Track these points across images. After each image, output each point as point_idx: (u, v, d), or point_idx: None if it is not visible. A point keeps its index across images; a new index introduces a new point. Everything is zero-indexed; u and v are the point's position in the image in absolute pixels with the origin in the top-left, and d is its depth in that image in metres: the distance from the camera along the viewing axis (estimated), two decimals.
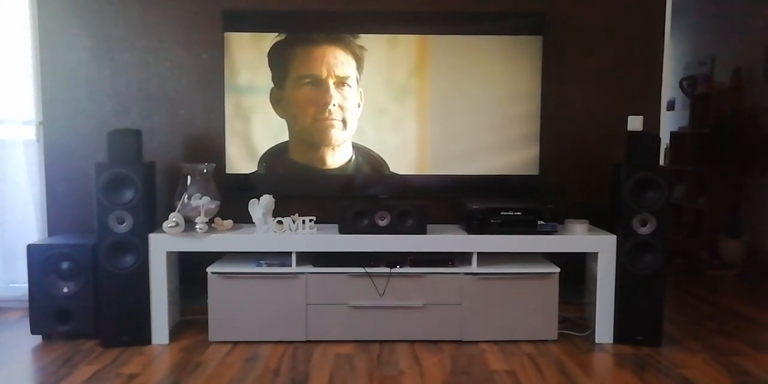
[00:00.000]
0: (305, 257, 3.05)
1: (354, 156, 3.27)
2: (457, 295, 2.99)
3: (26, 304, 3.02)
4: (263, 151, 3.26)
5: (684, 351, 2.90)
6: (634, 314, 2.95)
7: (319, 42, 3.21)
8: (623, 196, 2.91)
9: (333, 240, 2.98)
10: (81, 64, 3.34)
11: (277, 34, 3.21)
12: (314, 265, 3.00)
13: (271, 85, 3.22)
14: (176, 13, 3.33)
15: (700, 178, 5.22)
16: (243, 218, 3.16)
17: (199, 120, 3.37)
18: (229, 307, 2.97)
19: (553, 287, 3.00)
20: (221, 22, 3.22)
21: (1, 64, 3.41)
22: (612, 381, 2.57)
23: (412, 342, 3.00)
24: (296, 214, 3.04)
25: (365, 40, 3.21)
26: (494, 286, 2.99)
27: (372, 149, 3.27)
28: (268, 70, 3.21)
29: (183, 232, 2.95)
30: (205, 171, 3.14)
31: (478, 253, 3.00)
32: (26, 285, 2.98)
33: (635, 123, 3.40)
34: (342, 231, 3.00)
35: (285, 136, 3.25)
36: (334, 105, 3.22)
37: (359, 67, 3.22)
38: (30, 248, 2.97)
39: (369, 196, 3.26)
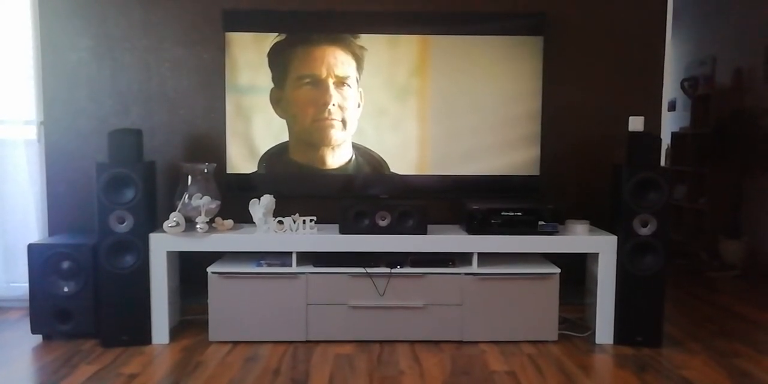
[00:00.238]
0: (306, 257, 3.05)
1: (354, 156, 3.27)
2: (457, 296, 2.99)
3: (27, 304, 3.02)
4: (264, 151, 3.26)
5: (684, 352, 2.90)
6: (634, 315, 2.95)
7: (319, 42, 3.21)
8: (624, 196, 2.90)
9: (333, 240, 2.98)
10: (82, 64, 3.35)
11: (277, 34, 3.21)
12: (315, 265, 3.00)
13: (272, 85, 3.22)
14: (177, 13, 3.33)
15: (701, 179, 5.22)
16: (243, 218, 3.16)
17: (199, 120, 3.37)
18: (230, 307, 2.97)
19: (553, 288, 3.00)
20: (222, 22, 3.22)
21: (2, 64, 3.41)
22: (612, 382, 2.57)
23: (412, 342, 3.00)
24: (297, 214, 3.05)
25: (365, 40, 3.21)
26: (495, 287, 2.99)
27: (372, 149, 3.27)
28: (269, 70, 3.22)
29: (183, 231, 2.95)
30: (205, 171, 3.14)
31: (479, 254, 3.00)
32: (27, 284, 2.98)
33: (636, 123, 3.40)
34: (342, 231, 3.00)
35: (285, 136, 3.25)
36: (333, 105, 3.22)
37: (359, 67, 3.22)
38: (30, 248, 2.97)
39: (369, 196, 3.26)
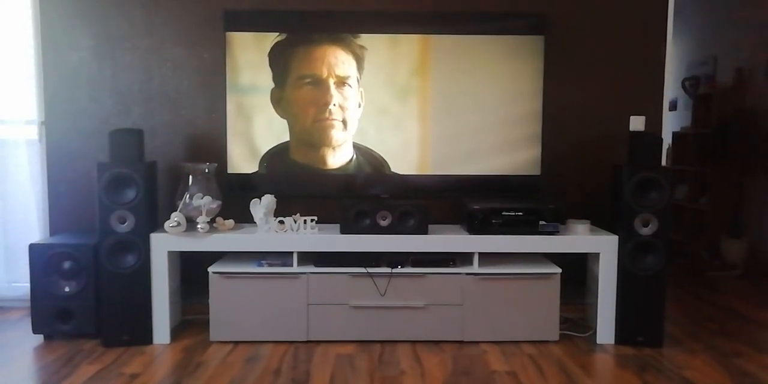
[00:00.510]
0: (306, 257, 3.05)
1: (355, 156, 3.27)
2: (458, 296, 2.99)
3: (28, 304, 3.02)
4: (264, 151, 3.26)
5: (685, 352, 2.90)
6: (635, 315, 2.94)
7: (320, 42, 3.21)
8: (625, 196, 2.90)
9: (334, 240, 2.98)
10: (83, 64, 3.35)
11: (278, 33, 3.21)
12: (315, 265, 3.00)
13: (272, 85, 3.22)
14: (178, 13, 3.33)
15: (702, 179, 5.21)
16: (244, 218, 3.16)
17: (200, 120, 3.38)
18: (231, 306, 2.98)
19: (554, 288, 3.00)
20: (222, 22, 3.22)
21: (3, 64, 3.41)
22: (613, 382, 2.57)
23: (413, 342, 3.00)
24: (298, 214, 3.05)
25: (366, 39, 3.21)
26: (495, 287, 2.99)
27: (373, 149, 3.27)
28: (269, 69, 3.22)
29: (184, 231, 2.95)
30: (206, 171, 3.14)
31: (480, 254, 3.00)
32: (28, 284, 2.99)
33: (637, 123, 3.40)
34: (343, 231, 3.00)
35: (286, 136, 3.25)
36: (334, 105, 3.22)
37: (360, 66, 3.22)
38: (32, 248, 2.97)
39: (370, 196, 3.26)
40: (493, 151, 3.27)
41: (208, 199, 3.04)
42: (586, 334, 3.08)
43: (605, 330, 2.99)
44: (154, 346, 2.94)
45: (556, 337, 3.01)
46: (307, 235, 2.99)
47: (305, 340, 2.99)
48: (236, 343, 2.98)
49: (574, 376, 2.60)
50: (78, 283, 2.96)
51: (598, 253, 2.98)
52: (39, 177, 3.42)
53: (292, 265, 2.99)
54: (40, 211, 3.43)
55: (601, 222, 3.20)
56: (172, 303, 3.03)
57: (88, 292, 2.96)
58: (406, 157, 3.28)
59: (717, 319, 3.44)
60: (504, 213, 3.00)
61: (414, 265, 3.01)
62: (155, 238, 2.93)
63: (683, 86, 5.59)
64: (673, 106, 5.82)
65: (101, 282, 2.91)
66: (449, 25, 3.22)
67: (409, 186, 3.29)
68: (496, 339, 3.00)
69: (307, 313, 2.98)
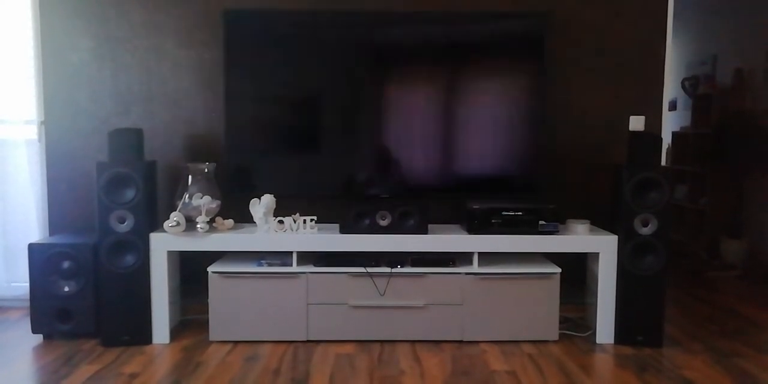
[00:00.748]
0: (306, 257, 3.06)
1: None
2: (458, 295, 2.99)
3: (27, 304, 3.03)
4: (265, 151, 3.25)
5: (685, 352, 2.90)
6: (635, 315, 2.95)
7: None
8: (625, 196, 2.90)
9: (334, 240, 2.98)
10: (82, 64, 3.35)
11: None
12: (315, 265, 3.00)
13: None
14: (177, 14, 3.33)
15: (702, 179, 5.22)
16: (244, 218, 3.16)
17: (200, 119, 3.38)
18: (230, 306, 2.98)
19: (554, 287, 3.00)
20: (222, 22, 3.21)
21: (3, 64, 3.42)
22: (613, 382, 2.57)
23: (412, 342, 3.00)
24: (297, 214, 3.05)
25: None
26: (495, 286, 2.99)
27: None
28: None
29: (184, 231, 2.95)
30: (206, 170, 3.14)
31: (479, 253, 3.01)
32: (27, 284, 2.99)
33: (637, 123, 3.40)
34: (343, 231, 3.00)
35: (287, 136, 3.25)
36: None
37: None
38: (31, 247, 2.97)
39: (370, 196, 3.26)
40: (493, 150, 3.27)
41: (207, 198, 3.04)
42: (586, 334, 3.08)
43: (605, 330, 2.99)
44: (153, 345, 2.95)
45: (556, 337, 3.02)
46: (306, 234, 2.99)
47: (305, 339, 2.99)
48: (236, 342, 2.98)
49: (574, 376, 2.60)
50: (77, 282, 2.97)
51: (598, 253, 2.98)
52: (38, 177, 3.42)
53: (291, 265, 2.99)
54: (40, 211, 3.43)
55: (601, 222, 3.20)
56: (171, 303, 3.03)
57: (87, 291, 2.97)
58: (406, 156, 3.27)
59: (716, 319, 3.44)
60: (504, 213, 3.00)
61: (414, 265, 3.01)
62: (155, 237, 2.93)
63: (683, 86, 5.60)
64: (672, 106, 5.82)
65: (101, 282, 2.91)
66: (449, 24, 3.22)
67: (409, 186, 3.28)
68: (496, 339, 3.00)
69: (307, 312, 2.99)
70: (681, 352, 2.89)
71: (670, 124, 5.59)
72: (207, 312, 3.01)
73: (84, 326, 2.98)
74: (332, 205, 3.20)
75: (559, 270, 3.01)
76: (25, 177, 3.46)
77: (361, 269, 2.98)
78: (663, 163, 3.06)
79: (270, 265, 3.00)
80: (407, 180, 3.28)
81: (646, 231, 2.91)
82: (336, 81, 3.22)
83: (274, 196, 3.08)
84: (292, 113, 3.23)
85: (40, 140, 3.39)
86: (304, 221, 3.02)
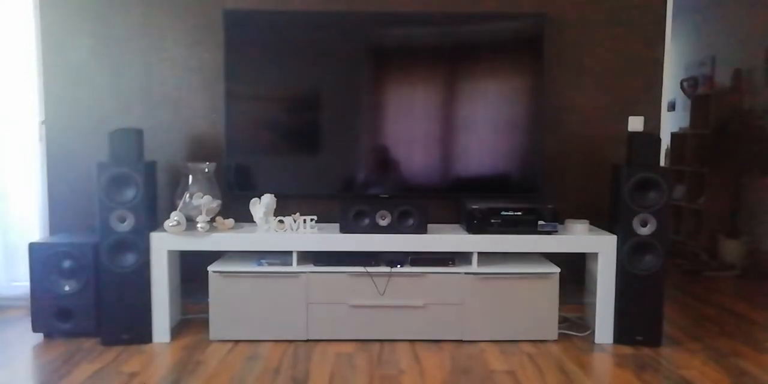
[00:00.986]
0: (306, 256, 3.06)
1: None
2: (457, 295, 3.00)
3: (28, 303, 3.03)
4: (265, 151, 3.26)
5: (683, 351, 2.91)
6: (633, 314, 2.95)
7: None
8: (624, 196, 2.91)
9: (334, 239, 2.99)
10: (83, 64, 3.35)
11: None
12: (315, 265, 3.01)
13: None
14: (178, 13, 3.33)
15: (700, 179, 5.23)
16: (244, 217, 3.17)
17: (200, 119, 3.38)
18: (230, 305, 2.98)
19: (553, 287, 3.00)
20: (222, 22, 3.22)
21: (3, 64, 3.42)
22: (612, 381, 2.58)
23: (412, 341, 3.00)
24: (297, 214, 3.05)
25: None
26: (494, 286, 3.00)
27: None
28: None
29: (184, 231, 2.96)
30: (206, 170, 3.15)
31: (479, 253, 3.01)
32: (28, 283, 2.99)
33: (636, 123, 3.41)
34: (343, 230, 3.01)
35: (287, 136, 3.26)
36: None
37: None
38: (32, 247, 2.97)
39: (370, 196, 3.27)
40: (493, 150, 3.28)
41: (207, 198, 3.04)
42: (585, 334, 3.09)
43: (604, 329, 3.00)
44: (153, 344, 2.95)
45: (555, 337, 3.02)
46: (306, 234, 3.00)
47: (305, 339, 3.00)
48: (236, 342, 2.99)
49: (573, 376, 2.61)
50: (78, 282, 2.97)
51: (597, 253, 2.99)
52: (39, 176, 3.42)
53: (291, 265, 2.99)
54: (40, 211, 3.43)
55: (600, 222, 3.21)
56: (171, 302, 3.04)
57: (87, 291, 2.97)
58: (406, 156, 3.28)
59: (715, 319, 3.45)
60: (503, 213, 3.00)
61: (413, 265, 3.01)
62: (155, 237, 2.94)
63: (682, 87, 5.60)
64: (671, 107, 5.83)
65: (101, 281, 2.91)
66: (449, 25, 3.23)
67: (409, 186, 3.29)
68: (495, 338, 3.01)
69: (307, 312, 2.99)
70: (680, 352, 2.90)
71: (669, 124, 5.60)
72: (207, 311, 3.01)
73: (84, 325, 2.98)
74: (332, 205, 3.21)
75: (558, 270, 3.01)
76: (25, 176, 3.46)
77: (361, 269, 2.98)
78: (662, 163, 3.07)
79: (270, 264, 3.01)
80: (407, 180, 3.29)
81: (644, 231, 2.92)
82: (336, 81, 3.23)
83: (274, 196, 3.09)
84: (292, 113, 3.25)
85: (40, 140, 3.40)
86: (304, 221, 3.02)
